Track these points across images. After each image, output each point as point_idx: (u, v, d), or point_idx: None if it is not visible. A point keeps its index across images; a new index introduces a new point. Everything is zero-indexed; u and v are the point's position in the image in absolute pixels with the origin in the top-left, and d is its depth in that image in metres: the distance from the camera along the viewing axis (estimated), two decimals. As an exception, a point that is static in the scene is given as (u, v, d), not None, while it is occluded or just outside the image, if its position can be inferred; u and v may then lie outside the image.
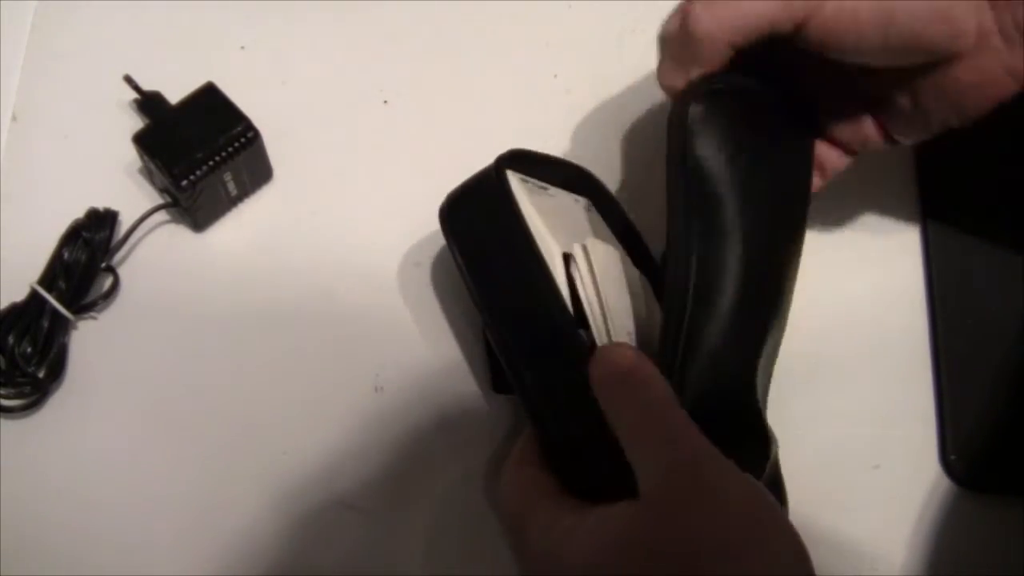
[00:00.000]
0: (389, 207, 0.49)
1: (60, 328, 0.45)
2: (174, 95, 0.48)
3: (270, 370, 0.46)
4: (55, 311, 0.45)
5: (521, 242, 0.39)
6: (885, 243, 0.48)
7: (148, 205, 0.47)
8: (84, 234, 0.46)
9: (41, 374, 0.45)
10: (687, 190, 0.36)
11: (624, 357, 0.35)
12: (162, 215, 0.48)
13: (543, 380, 0.38)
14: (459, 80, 0.52)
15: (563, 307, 0.38)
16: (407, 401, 0.45)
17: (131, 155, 0.48)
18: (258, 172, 0.49)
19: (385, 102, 0.52)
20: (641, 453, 0.33)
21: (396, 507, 0.43)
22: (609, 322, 0.38)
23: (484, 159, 0.42)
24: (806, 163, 0.40)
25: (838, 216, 0.48)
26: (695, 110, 0.36)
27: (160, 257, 0.48)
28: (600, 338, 0.38)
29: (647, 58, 0.40)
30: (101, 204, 0.47)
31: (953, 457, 0.44)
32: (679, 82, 0.37)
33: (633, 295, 0.41)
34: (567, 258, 0.39)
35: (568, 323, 0.38)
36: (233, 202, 0.49)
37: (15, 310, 0.45)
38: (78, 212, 0.47)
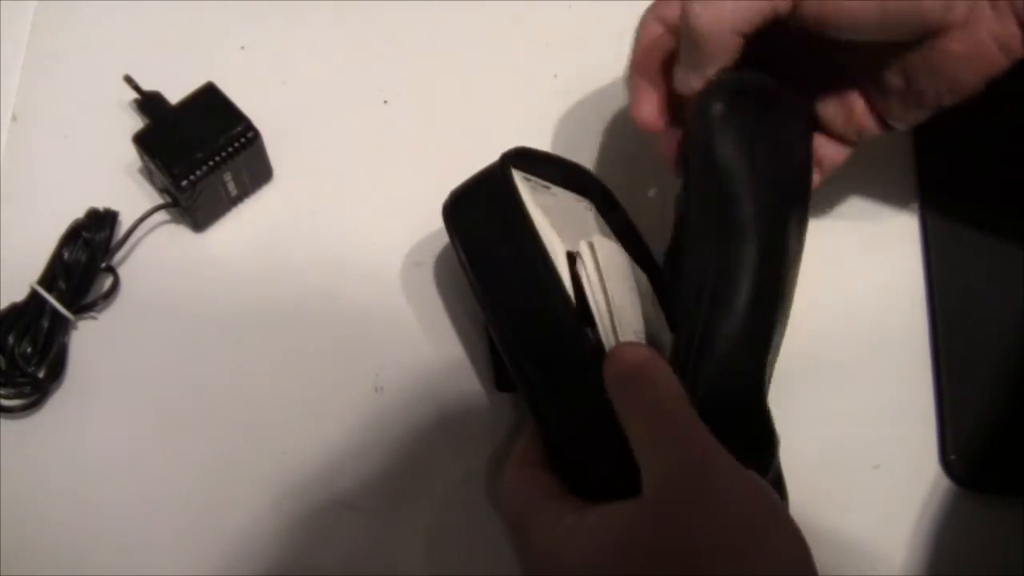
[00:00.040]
0: (389, 207, 0.49)
1: (60, 328, 0.45)
2: (174, 95, 0.48)
3: (270, 370, 0.46)
4: (55, 311, 0.45)
5: (526, 239, 0.39)
6: (885, 243, 0.48)
7: (148, 205, 0.47)
8: (84, 234, 0.46)
9: (41, 374, 0.45)
10: (707, 189, 0.36)
11: (637, 355, 0.35)
12: (162, 215, 0.48)
13: (547, 378, 0.38)
14: (459, 80, 0.52)
15: (568, 304, 0.38)
16: (407, 401, 0.45)
17: (131, 155, 0.48)
18: (258, 172, 0.49)
19: (385, 102, 0.52)
20: (649, 452, 0.33)
21: (397, 507, 0.43)
22: (616, 321, 0.38)
23: (484, 159, 0.42)
24: (809, 160, 0.40)
25: (838, 216, 0.48)
26: (717, 109, 0.36)
27: (160, 257, 0.48)
28: (606, 337, 0.38)
29: (647, 58, 0.40)
30: (101, 204, 0.47)
31: (953, 457, 0.44)
32: (697, 84, 0.37)
33: (640, 295, 0.41)
34: (571, 257, 0.39)
35: (573, 321, 0.38)
36: (233, 202, 0.49)
37: (15, 310, 0.45)
38: (78, 212, 0.47)
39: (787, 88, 0.40)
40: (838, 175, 0.43)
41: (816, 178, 0.42)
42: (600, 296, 0.38)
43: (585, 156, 0.49)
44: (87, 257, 0.46)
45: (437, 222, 0.46)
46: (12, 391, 0.45)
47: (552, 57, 0.52)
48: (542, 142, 0.44)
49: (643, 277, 0.43)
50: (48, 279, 0.46)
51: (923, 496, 0.43)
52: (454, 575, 0.43)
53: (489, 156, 0.42)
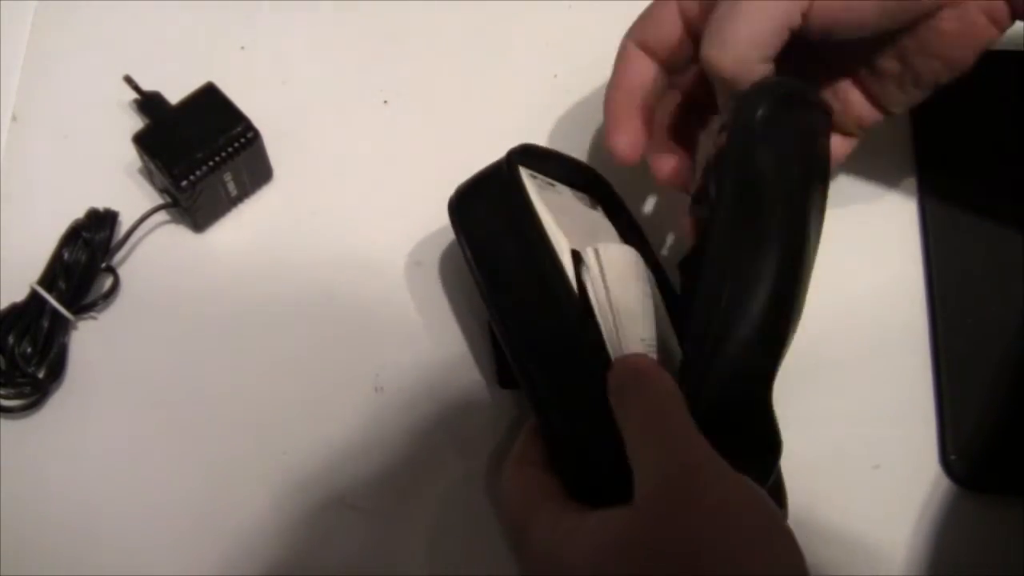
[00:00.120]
0: (389, 207, 0.49)
1: (60, 328, 0.45)
2: (174, 95, 0.48)
3: (270, 370, 0.46)
4: (55, 311, 0.45)
5: (532, 236, 0.38)
6: (885, 243, 0.48)
7: (148, 205, 0.47)
8: (84, 234, 0.46)
9: (41, 374, 0.45)
10: (743, 195, 0.35)
11: (637, 365, 0.36)
12: (162, 215, 0.48)
13: (549, 376, 0.38)
14: (459, 80, 0.52)
15: (573, 302, 0.38)
16: (408, 401, 0.45)
17: (131, 155, 0.48)
18: (258, 172, 0.49)
19: (385, 102, 0.52)
20: (642, 456, 0.33)
21: (397, 507, 0.43)
22: (620, 329, 0.38)
23: (484, 159, 0.42)
24: (828, 163, 0.40)
25: (838, 216, 0.48)
26: (761, 115, 0.35)
27: (160, 257, 0.48)
28: (611, 344, 0.38)
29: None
30: (101, 204, 0.47)
31: (953, 457, 0.44)
32: None
33: (647, 296, 0.40)
34: (576, 255, 0.39)
35: (578, 319, 0.37)
36: (233, 202, 0.49)
37: (15, 310, 0.45)
38: (78, 212, 0.47)
39: (812, 89, 0.40)
40: (838, 173, 0.43)
41: None
42: (605, 304, 0.38)
43: (585, 156, 0.49)
44: (87, 257, 0.46)
45: (437, 222, 0.46)
46: (12, 391, 0.45)
47: (552, 57, 0.52)
48: (542, 142, 0.44)
49: (653, 279, 0.43)
50: (48, 279, 0.46)
51: (923, 496, 0.43)
52: (454, 575, 0.43)
53: (489, 156, 0.42)
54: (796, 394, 0.41)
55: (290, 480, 0.44)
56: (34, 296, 0.45)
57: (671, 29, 0.40)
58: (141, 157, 0.47)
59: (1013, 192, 0.48)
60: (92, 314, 0.47)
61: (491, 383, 0.45)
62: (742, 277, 0.35)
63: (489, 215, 0.40)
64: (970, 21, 0.37)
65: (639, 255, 0.42)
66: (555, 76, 0.52)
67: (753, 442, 0.36)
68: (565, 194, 0.44)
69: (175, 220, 0.49)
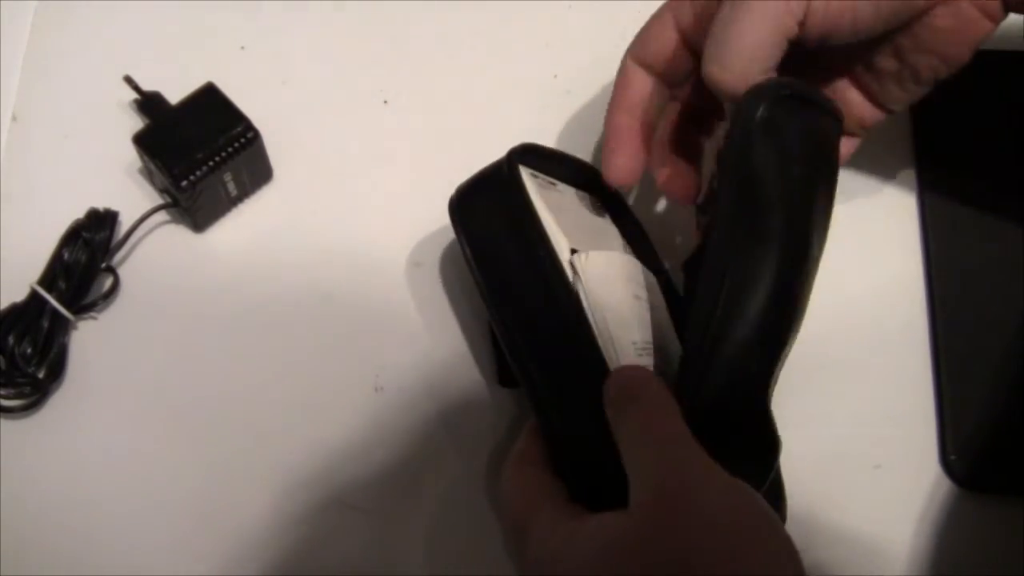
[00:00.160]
0: (389, 207, 0.49)
1: (60, 328, 0.45)
2: (174, 95, 0.48)
3: (270, 370, 0.46)
4: (55, 311, 0.45)
5: (533, 236, 0.38)
6: (885, 242, 0.48)
7: (148, 205, 0.47)
8: (84, 234, 0.46)
9: (41, 374, 0.45)
10: (741, 194, 0.35)
11: (631, 375, 0.36)
12: (162, 215, 0.48)
13: (549, 376, 0.38)
14: (459, 80, 0.52)
15: (573, 304, 0.38)
16: (407, 401, 0.45)
17: (131, 155, 0.48)
18: (258, 172, 0.49)
19: (385, 102, 0.52)
20: (638, 466, 0.33)
21: (397, 507, 0.43)
22: (611, 335, 0.38)
23: (484, 159, 0.42)
24: (837, 166, 0.40)
25: (838, 215, 0.48)
26: (761, 115, 0.35)
27: (160, 257, 0.48)
28: (604, 348, 0.38)
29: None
30: (101, 204, 0.47)
31: (953, 457, 0.44)
32: None
33: (638, 299, 0.40)
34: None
35: (578, 319, 0.37)
36: (233, 202, 0.49)
37: (15, 310, 0.45)
38: (78, 212, 0.47)
39: (822, 93, 0.40)
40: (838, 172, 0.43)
41: None
42: (592, 310, 0.38)
43: (585, 157, 0.49)
44: (87, 257, 0.46)
45: (437, 222, 0.46)
46: (12, 391, 0.45)
47: (552, 57, 0.52)
48: (542, 142, 0.44)
49: (652, 280, 0.43)
50: (48, 279, 0.46)
51: (923, 496, 0.43)
52: (454, 575, 0.43)
53: (489, 156, 0.42)
54: (796, 394, 0.41)
55: (290, 480, 0.44)
56: (34, 296, 0.45)
57: (668, 43, 0.40)
58: (141, 157, 0.47)
59: (1013, 191, 0.48)
60: (92, 314, 0.47)
61: (491, 383, 0.45)
62: (740, 277, 0.35)
63: (489, 215, 0.40)
64: (964, 17, 0.37)
65: (630, 259, 0.42)
66: (555, 76, 0.52)
67: (751, 443, 0.36)
68: (567, 194, 0.44)
69: (175, 220, 0.49)
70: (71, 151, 0.50)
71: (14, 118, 0.51)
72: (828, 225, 0.39)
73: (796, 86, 0.37)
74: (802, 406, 0.42)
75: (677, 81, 0.42)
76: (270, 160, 0.49)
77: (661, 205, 0.49)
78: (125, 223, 0.47)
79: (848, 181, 0.49)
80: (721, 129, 0.44)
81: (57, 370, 0.45)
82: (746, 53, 0.36)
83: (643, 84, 0.41)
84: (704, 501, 0.31)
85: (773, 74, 0.37)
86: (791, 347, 0.38)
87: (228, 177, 0.47)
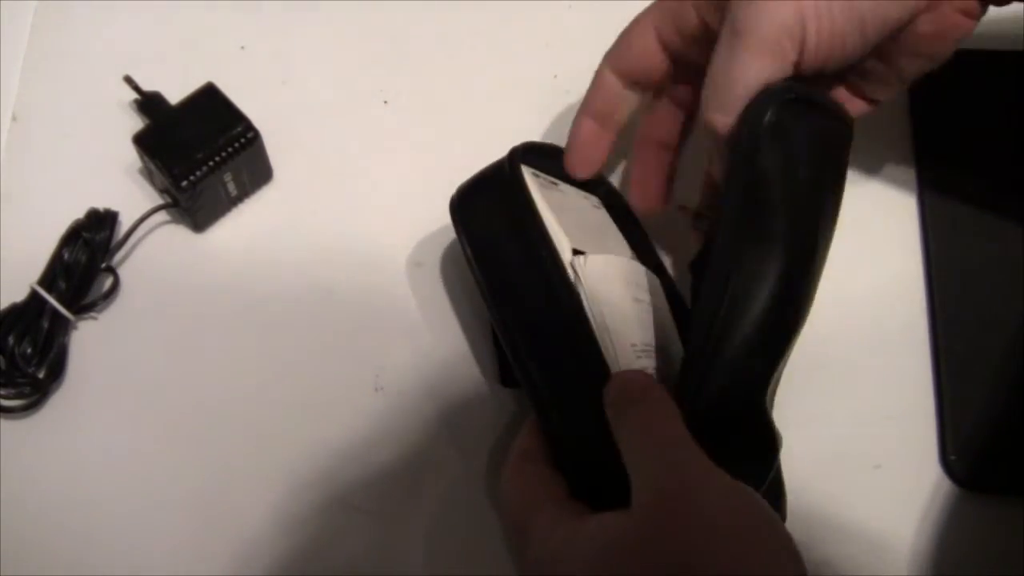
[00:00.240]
0: (389, 207, 0.49)
1: (60, 328, 0.45)
2: (174, 95, 0.48)
3: (270, 370, 0.46)
4: (55, 311, 0.45)
5: (534, 236, 0.38)
6: (885, 242, 0.48)
7: (148, 205, 0.47)
8: (84, 234, 0.46)
9: (41, 374, 0.45)
10: (746, 197, 0.35)
11: (631, 380, 0.36)
12: (162, 215, 0.48)
13: (550, 376, 0.38)
14: (459, 80, 0.52)
15: (575, 304, 0.38)
16: (408, 401, 0.45)
17: (131, 155, 0.48)
18: (258, 172, 0.49)
19: (385, 102, 0.52)
20: (639, 468, 0.33)
21: (397, 507, 0.43)
22: (611, 337, 0.38)
23: (484, 159, 0.42)
24: (845, 169, 0.40)
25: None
26: (768, 119, 0.35)
27: (160, 257, 0.48)
28: (605, 350, 0.38)
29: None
30: (101, 204, 0.47)
31: (953, 457, 0.44)
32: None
33: (638, 301, 0.40)
34: (578, 255, 0.39)
35: (579, 319, 0.37)
36: (233, 202, 0.49)
37: (15, 310, 0.45)
38: (78, 212, 0.47)
39: (829, 96, 0.40)
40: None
41: None
42: (593, 312, 0.38)
43: (585, 156, 0.49)
44: (87, 257, 0.46)
45: (437, 222, 0.46)
46: (12, 391, 0.45)
47: (552, 57, 0.52)
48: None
49: (655, 281, 0.43)
50: (48, 279, 0.46)
51: (923, 496, 0.43)
52: (454, 575, 0.43)
53: (489, 156, 0.42)
54: (796, 394, 0.41)
55: (290, 480, 0.44)
56: (34, 296, 0.45)
57: (649, 55, 0.41)
58: (141, 157, 0.47)
59: (1013, 191, 0.48)
60: (92, 314, 0.47)
61: (491, 383, 0.45)
62: (745, 278, 0.35)
63: (490, 214, 0.40)
64: (946, 21, 0.38)
65: (630, 261, 0.42)
66: (555, 76, 0.52)
67: (751, 442, 0.36)
68: (569, 193, 0.44)
69: (175, 220, 0.49)
70: (71, 151, 0.50)
71: (14, 118, 0.51)
72: (834, 228, 0.39)
73: (803, 90, 0.37)
74: (802, 406, 0.42)
75: (650, 89, 0.43)
76: (270, 160, 0.49)
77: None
78: (125, 223, 0.47)
79: (848, 181, 0.49)
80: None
81: (57, 370, 0.45)
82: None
83: (616, 92, 0.42)
84: (704, 502, 0.31)
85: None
86: (792, 348, 0.38)
87: (228, 177, 0.47)
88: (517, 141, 0.42)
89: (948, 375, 0.45)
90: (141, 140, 0.46)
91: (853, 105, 0.42)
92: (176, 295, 0.47)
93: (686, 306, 0.44)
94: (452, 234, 0.41)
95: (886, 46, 0.38)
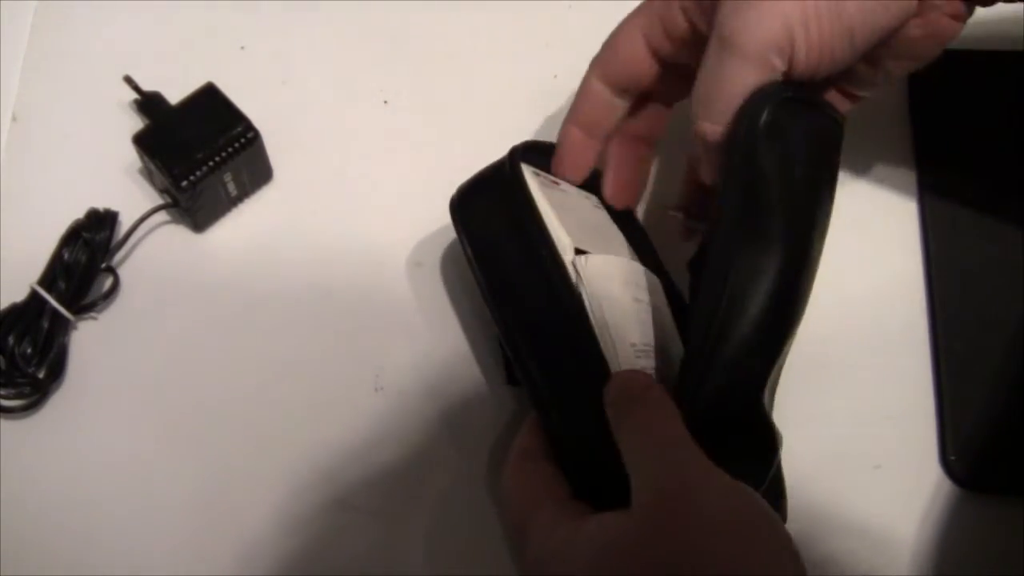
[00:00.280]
0: (389, 207, 0.49)
1: (60, 328, 0.45)
2: (174, 95, 0.48)
3: (270, 370, 0.46)
4: (55, 311, 0.45)
5: (534, 235, 0.38)
6: (885, 243, 0.48)
7: (148, 205, 0.47)
8: (84, 234, 0.46)
9: (41, 374, 0.45)
10: (744, 196, 0.35)
11: (631, 380, 0.36)
12: (162, 215, 0.48)
13: (551, 376, 0.38)
14: (459, 80, 0.52)
15: (575, 303, 0.38)
16: (407, 401, 0.45)
17: (131, 155, 0.48)
18: (258, 172, 0.49)
19: (385, 102, 0.52)
20: (639, 469, 0.33)
21: (397, 507, 0.43)
22: (611, 338, 0.38)
23: (484, 159, 0.42)
24: (837, 169, 0.40)
25: (838, 215, 0.48)
26: (766, 119, 0.35)
27: (160, 257, 0.48)
28: (605, 350, 0.37)
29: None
30: (101, 204, 0.47)
31: (953, 457, 0.44)
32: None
33: (638, 302, 0.40)
34: (579, 254, 0.39)
35: (579, 319, 0.37)
36: (233, 202, 0.49)
37: (15, 310, 0.45)
38: (78, 212, 0.47)
39: (823, 98, 0.40)
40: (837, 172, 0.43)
41: None
42: (593, 313, 0.38)
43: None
44: (87, 257, 0.46)
45: (437, 222, 0.46)
46: (12, 391, 0.45)
47: (552, 57, 0.52)
48: (542, 143, 0.44)
49: (655, 281, 0.43)
50: (48, 279, 0.46)
51: (924, 496, 0.43)
52: (454, 575, 0.43)
53: (489, 156, 0.42)
54: (796, 394, 0.41)
55: (290, 480, 0.44)
56: (34, 296, 0.45)
57: (637, 61, 0.41)
58: (141, 157, 0.47)
59: (1013, 191, 0.48)
60: (92, 314, 0.47)
61: (491, 383, 0.45)
62: (743, 277, 0.35)
63: (490, 214, 0.40)
64: (935, 24, 0.38)
65: (630, 262, 0.42)
66: (555, 76, 0.52)
67: (750, 441, 0.36)
68: (570, 192, 0.44)
69: (175, 220, 0.49)
70: (71, 151, 0.50)
71: (14, 118, 0.51)
72: (828, 225, 0.39)
73: (798, 89, 0.37)
74: (802, 406, 0.42)
75: (637, 93, 0.42)
76: (270, 160, 0.49)
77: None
78: (125, 223, 0.47)
79: (848, 181, 0.49)
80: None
81: (57, 370, 0.45)
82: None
83: (603, 100, 0.42)
84: (704, 503, 0.31)
85: None
86: (790, 347, 0.38)
87: (228, 177, 0.47)
88: (517, 141, 0.42)
89: (948, 375, 0.45)
90: (141, 140, 0.46)
91: (839, 103, 0.42)
92: (176, 295, 0.47)
93: (686, 305, 0.44)
94: (452, 234, 0.41)
95: (874, 50, 0.38)
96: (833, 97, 0.42)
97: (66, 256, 0.46)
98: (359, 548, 0.43)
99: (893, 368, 0.46)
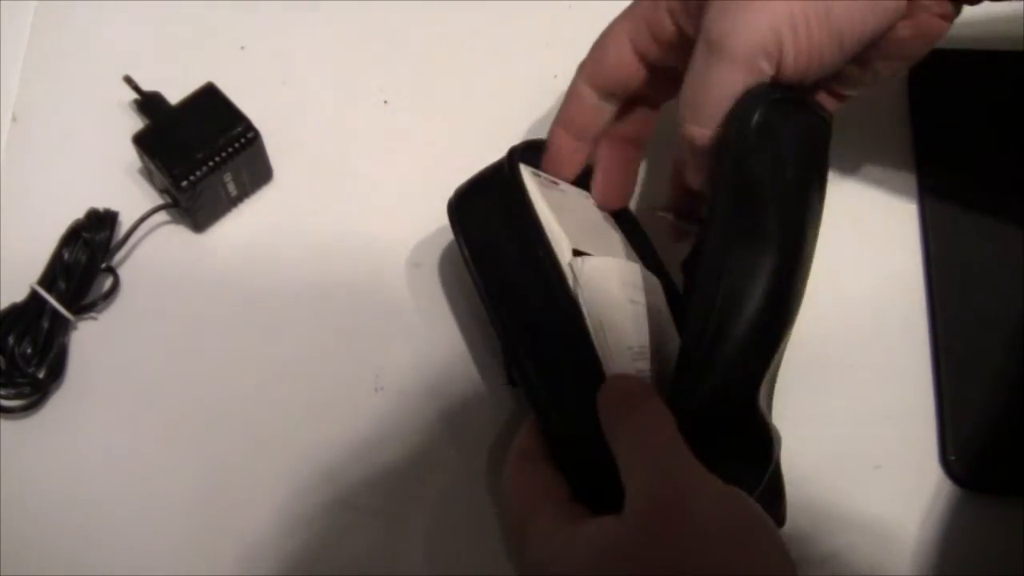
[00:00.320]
0: (389, 208, 0.49)
1: (60, 328, 0.45)
2: (174, 95, 0.48)
3: (270, 371, 0.46)
4: (55, 311, 0.45)
5: (532, 236, 0.38)
6: (885, 242, 0.48)
7: (148, 205, 0.47)
8: (84, 234, 0.46)
9: (41, 374, 0.45)
10: (736, 197, 0.35)
11: (624, 386, 0.36)
12: (162, 215, 0.48)
13: (548, 377, 0.38)
14: (459, 80, 0.52)
15: (572, 305, 0.38)
16: (407, 402, 0.45)
17: (131, 155, 0.48)
18: (258, 172, 0.49)
19: (385, 102, 0.52)
20: (633, 475, 0.33)
21: (397, 507, 0.43)
22: (607, 340, 0.38)
23: (484, 159, 0.42)
24: (827, 169, 0.40)
25: (838, 215, 0.48)
26: (757, 120, 0.35)
27: (160, 257, 0.48)
28: (601, 352, 0.38)
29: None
30: (101, 204, 0.47)
31: (953, 457, 0.44)
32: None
33: (635, 303, 0.40)
34: (578, 255, 0.39)
35: (576, 321, 0.37)
36: (233, 202, 0.49)
37: (15, 310, 0.45)
38: (78, 212, 0.47)
39: (812, 98, 0.40)
40: (837, 173, 0.43)
41: None
42: (589, 315, 0.38)
43: (585, 156, 0.49)
44: (87, 257, 0.46)
45: (437, 223, 0.46)
46: (12, 391, 0.45)
47: (552, 57, 0.52)
48: (542, 143, 0.44)
49: (654, 282, 0.43)
50: (48, 279, 0.46)
51: (924, 496, 0.43)
52: (454, 575, 0.43)
53: (489, 157, 0.42)
54: (796, 394, 0.41)
55: (290, 480, 0.44)
56: (34, 296, 0.45)
57: (625, 66, 0.41)
58: (141, 157, 0.47)
59: (1013, 191, 0.48)
60: (92, 314, 0.47)
61: (491, 383, 0.45)
62: (737, 277, 0.35)
63: (488, 216, 0.40)
64: (923, 24, 0.38)
65: (628, 263, 0.42)
66: (555, 76, 0.52)
67: (746, 442, 0.36)
68: (569, 192, 0.43)
69: (175, 220, 0.49)
70: (71, 151, 0.50)
71: (14, 118, 0.51)
72: (819, 225, 0.39)
73: (787, 90, 0.37)
74: (802, 406, 0.42)
75: (624, 97, 0.42)
76: (270, 160, 0.49)
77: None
78: (125, 223, 0.47)
79: (848, 181, 0.49)
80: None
81: (57, 370, 0.45)
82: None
83: (591, 105, 0.42)
84: (697, 508, 0.31)
85: None
86: (784, 347, 0.38)
87: (228, 177, 0.47)
88: (517, 141, 0.42)
89: (948, 375, 0.45)
90: (141, 140, 0.46)
91: (827, 103, 0.42)
92: (176, 295, 0.47)
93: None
94: (451, 235, 0.41)
95: (863, 51, 0.38)
96: (820, 96, 0.42)
97: (66, 256, 0.46)
98: (359, 548, 0.43)
99: (893, 368, 0.46)
